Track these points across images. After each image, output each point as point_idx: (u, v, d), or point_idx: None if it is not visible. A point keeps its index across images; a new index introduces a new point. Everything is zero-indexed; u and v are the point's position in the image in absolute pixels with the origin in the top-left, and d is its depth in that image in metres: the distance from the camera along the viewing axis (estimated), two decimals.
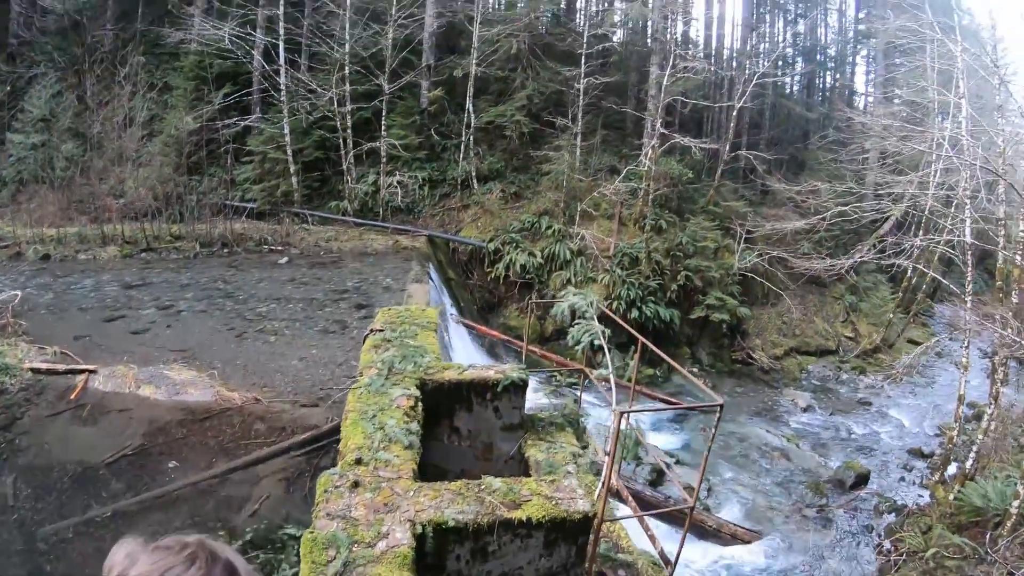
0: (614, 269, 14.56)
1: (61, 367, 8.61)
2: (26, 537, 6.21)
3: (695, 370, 14.99)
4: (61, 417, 7.80)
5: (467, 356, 12.11)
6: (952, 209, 12.77)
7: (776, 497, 11.52)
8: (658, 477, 11.02)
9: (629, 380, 5.51)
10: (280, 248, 15.61)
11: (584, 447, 6.06)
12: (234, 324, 10.66)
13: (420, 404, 5.23)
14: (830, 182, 15.54)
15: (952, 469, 11.22)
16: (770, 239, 15.87)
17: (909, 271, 15.68)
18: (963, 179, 11.01)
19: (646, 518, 5.40)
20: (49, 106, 19.40)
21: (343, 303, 11.68)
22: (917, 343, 17.34)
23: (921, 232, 14.92)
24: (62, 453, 7.20)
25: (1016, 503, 8.20)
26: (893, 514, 10.74)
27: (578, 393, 13.04)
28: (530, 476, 5.65)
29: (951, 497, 9.65)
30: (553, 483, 4.23)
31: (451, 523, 3.75)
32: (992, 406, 9.86)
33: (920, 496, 11.26)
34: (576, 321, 5.60)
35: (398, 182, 16.91)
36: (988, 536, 8.50)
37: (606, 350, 5.18)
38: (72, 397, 8.09)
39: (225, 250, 15.36)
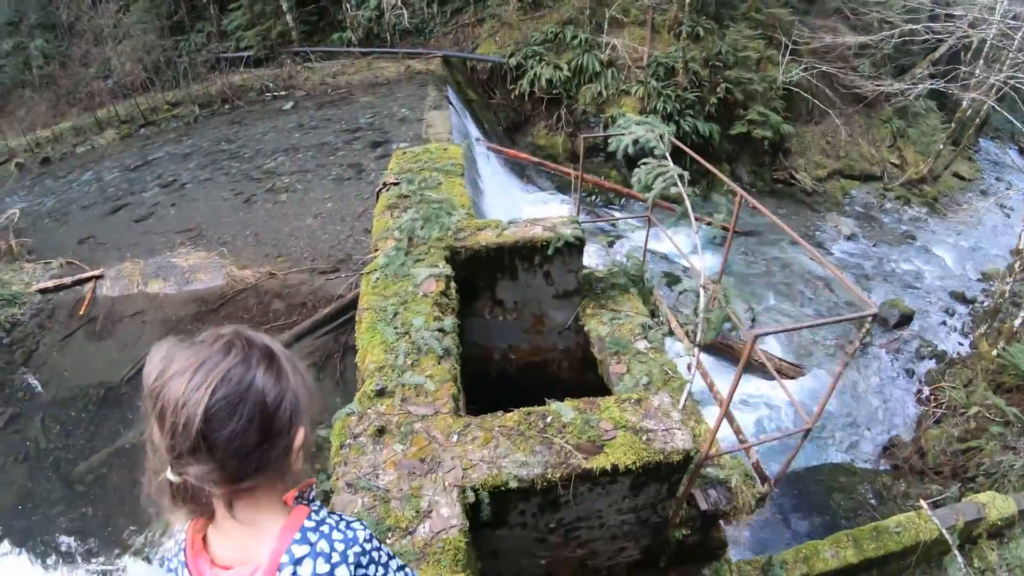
0: (648, 80, 12.61)
1: (68, 280, 7.59)
2: (64, 480, 5.69)
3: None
4: (75, 337, 6.98)
5: (498, 185, 10.72)
6: (1013, 42, 10.53)
7: (819, 331, 10.52)
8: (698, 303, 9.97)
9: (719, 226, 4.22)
10: (284, 93, 13.79)
11: (652, 312, 4.83)
12: (241, 188, 9.31)
13: (452, 284, 3.90)
14: None
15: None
16: (817, 52, 13.61)
17: (965, 102, 13.53)
18: None
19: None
20: (12, 6, 17.15)
21: (357, 143, 10.12)
22: (963, 178, 15.64)
23: (980, 62, 12.64)
24: (82, 377, 6.55)
25: None
26: (934, 360, 9.76)
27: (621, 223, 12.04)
28: (591, 350, 4.51)
29: (994, 353, 8.66)
30: (639, 404, 2.97)
31: (513, 484, 2.54)
32: None
33: (960, 344, 10.26)
34: (644, 161, 4.13)
35: (403, 2, 14.54)
36: None
37: (687, 203, 3.75)
38: (81, 312, 7.14)
39: (226, 106, 13.62)
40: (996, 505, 5.32)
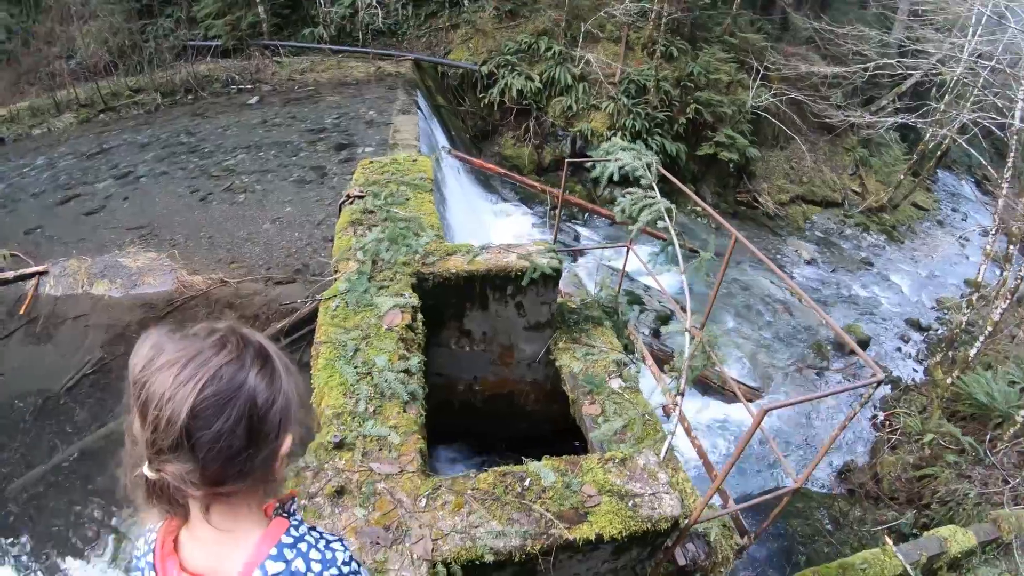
0: (619, 97, 12.43)
1: (11, 274, 6.96)
2: None
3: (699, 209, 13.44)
4: (13, 338, 6.36)
5: (463, 195, 10.35)
6: (979, 80, 10.68)
7: (778, 353, 10.44)
8: (662, 323, 9.79)
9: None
10: (250, 87, 13.13)
11: (627, 346, 4.56)
12: (198, 185, 8.73)
13: (419, 316, 3.55)
14: (855, 25, 13.10)
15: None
16: (787, 79, 13.63)
17: (928, 135, 13.71)
18: None
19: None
20: None
21: (321, 144, 9.63)
22: (921, 208, 15.93)
23: (947, 97, 12.81)
24: (21, 383, 5.94)
25: (1023, 413, 7.37)
26: (889, 386, 9.77)
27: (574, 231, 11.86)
28: (561, 385, 4.20)
29: (948, 381, 8.67)
30: (624, 465, 2.68)
31: (489, 558, 2.21)
32: (1001, 295, 8.56)
33: (915, 371, 10.31)
34: (629, 191, 3.85)
35: (378, 1, 14.06)
36: (988, 437, 7.64)
37: (675, 240, 3.47)
38: (21, 311, 6.55)
39: (189, 96, 12.88)
40: (957, 539, 5.31)
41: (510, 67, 12.76)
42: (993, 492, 6.94)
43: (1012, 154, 9.04)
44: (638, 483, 2.62)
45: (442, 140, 10.87)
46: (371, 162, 5.35)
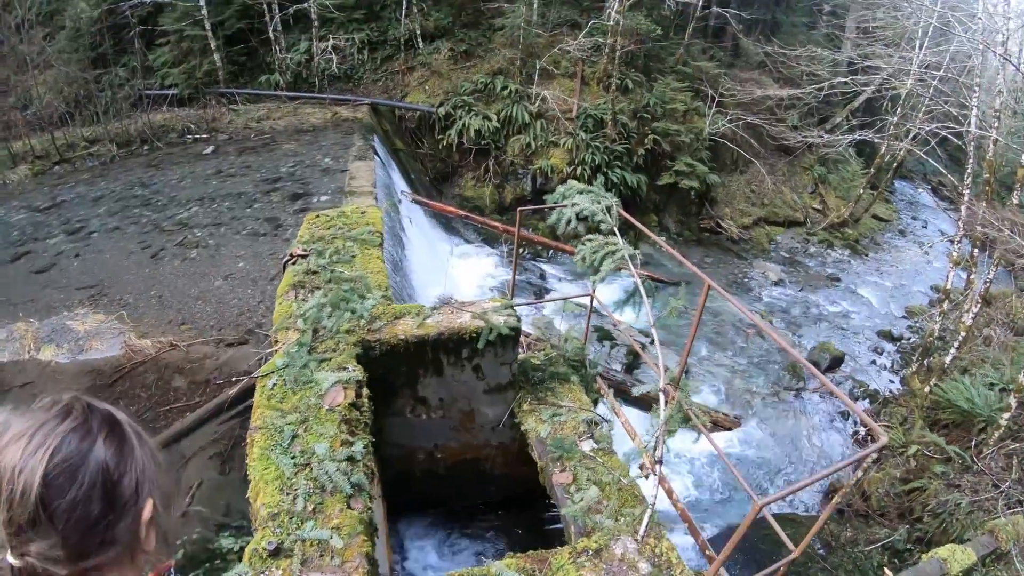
0: (577, 132, 12.22)
1: None
2: None
3: (662, 239, 13.22)
4: None
5: (424, 239, 9.97)
6: (928, 90, 10.77)
7: (753, 379, 10.20)
8: (634, 359, 9.46)
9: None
10: (206, 136, 12.66)
11: (596, 400, 4.19)
12: (150, 240, 8.26)
13: (365, 392, 3.13)
14: (806, 47, 13.16)
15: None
16: (742, 104, 13.61)
17: (883, 148, 13.77)
18: (976, 64, 8.92)
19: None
20: None
21: (275, 194, 9.21)
22: (882, 219, 16.01)
23: (899, 110, 12.90)
24: None
25: (1007, 416, 7.19)
26: (868, 400, 9.57)
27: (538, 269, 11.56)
28: (526, 454, 3.81)
29: (926, 390, 8.52)
30: (599, 557, 2.29)
31: None
32: (971, 300, 8.46)
33: (892, 382, 10.14)
34: (589, 238, 3.51)
35: (333, 47, 13.78)
36: (973, 443, 7.48)
37: (643, 291, 3.14)
38: None
39: (145, 147, 12.36)
40: (956, 558, 5.15)
41: (467, 107, 12.51)
42: (985, 499, 6.76)
43: (971, 160, 8.99)
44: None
45: (401, 184, 10.53)
46: (317, 216, 4.96)
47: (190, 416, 5.42)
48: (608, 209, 3.63)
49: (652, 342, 3.36)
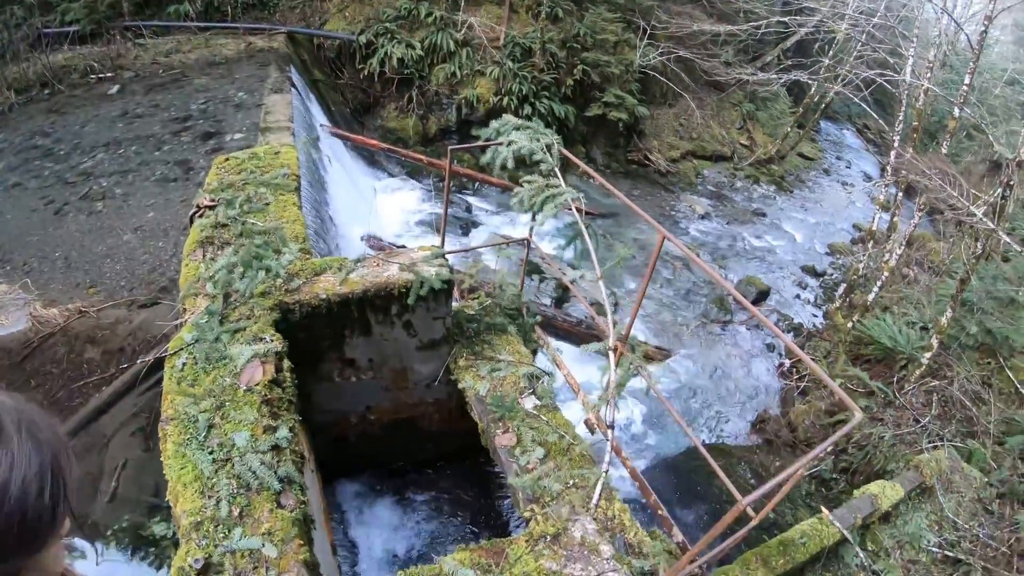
0: (504, 61, 11.63)
1: None
2: None
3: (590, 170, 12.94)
4: None
5: (346, 176, 9.39)
6: (863, 35, 10.68)
7: (681, 311, 10.21)
8: (563, 293, 9.31)
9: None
10: (110, 75, 11.37)
11: (535, 350, 3.93)
12: (53, 194, 7.40)
13: (286, 364, 2.74)
14: None
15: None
16: (674, 37, 13.20)
17: (814, 89, 13.71)
18: (917, 15, 8.79)
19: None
20: None
21: (186, 135, 8.39)
22: (807, 158, 16.06)
23: (829, 52, 12.80)
24: None
25: (928, 355, 7.35)
26: (792, 333, 9.68)
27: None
28: (466, 408, 3.54)
29: (849, 325, 8.71)
30: (558, 542, 2.05)
31: None
32: (895, 242, 8.64)
33: (815, 316, 10.28)
34: (528, 179, 3.16)
35: None
36: (895, 379, 7.66)
37: (588, 242, 2.83)
38: None
39: (46, 91, 10.99)
40: (886, 494, 5.28)
41: (389, 35, 11.68)
42: (906, 432, 6.95)
43: (903, 108, 8.99)
44: (578, 564, 2.01)
45: (320, 118, 9.80)
46: (227, 159, 4.39)
47: (106, 390, 4.91)
48: (548, 148, 3.27)
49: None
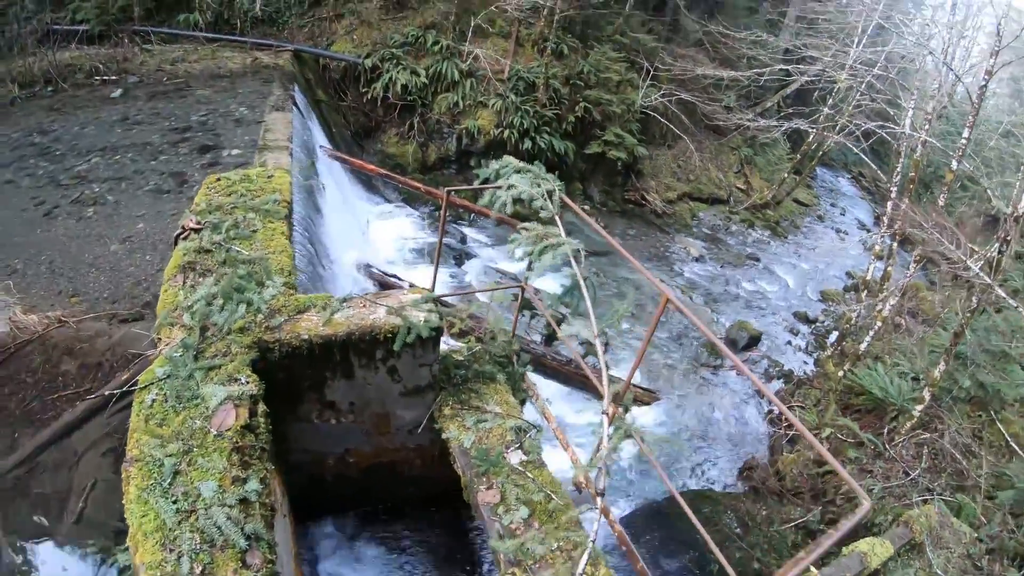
0: (508, 94, 11.60)
1: None
2: None
3: (587, 207, 12.86)
4: None
5: (342, 199, 9.25)
6: (862, 85, 10.78)
7: (672, 354, 10.09)
8: (554, 332, 9.15)
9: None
10: (115, 78, 11.25)
11: (524, 400, 3.76)
12: (45, 195, 7.22)
13: (261, 409, 2.57)
14: (752, 31, 12.89)
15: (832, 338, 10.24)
16: (676, 80, 13.26)
17: (812, 136, 13.79)
18: (918, 66, 8.86)
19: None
20: None
21: (183, 146, 8.25)
22: (802, 204, 16.14)
23: (829, 101, 12.89)
24: None
25: (919, 407, 7.22)
26: (782, 380, 9.57)
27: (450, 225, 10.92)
28: (453, 465, 3.35)
29: (840, 374, 8.57)
30: None
31: None
32: (890, 291, 8.56)
33: (805, 363, 10.17)
34: (525, 226, 3.03)
35: None
36: (885, 430, 7.52)
37: (587, 298, 2.70)
38: None
39: (49, 89, 10.85)
40: (876, 552, 5.19)
41: (395, 61, 11.66)
42: (896, 485, 6.83)
43: (902, 159, 8.99)
44: None
45: (321, 139, 9.70)
46: (218, 179, 4.24)
47: (80, 406, 4.70)
48: (549, 194, 3.15)
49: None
